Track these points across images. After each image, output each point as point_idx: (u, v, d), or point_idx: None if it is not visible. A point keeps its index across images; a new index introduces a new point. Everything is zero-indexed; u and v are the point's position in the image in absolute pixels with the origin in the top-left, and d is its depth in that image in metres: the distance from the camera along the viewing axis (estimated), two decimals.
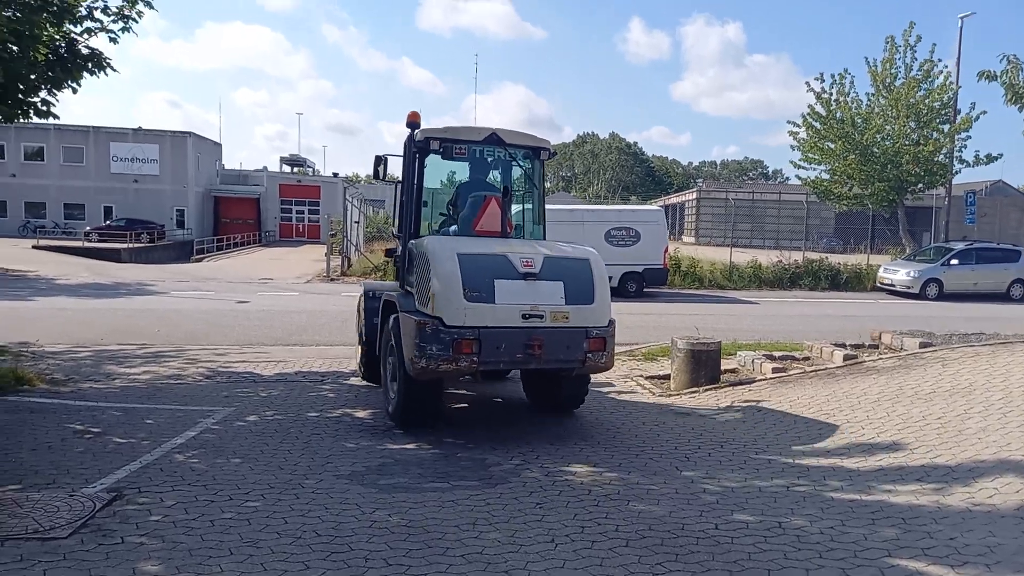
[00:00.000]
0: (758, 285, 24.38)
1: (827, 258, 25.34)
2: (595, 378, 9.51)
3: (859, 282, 24.67)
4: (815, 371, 8.77)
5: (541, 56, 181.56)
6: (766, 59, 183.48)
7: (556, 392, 7.39)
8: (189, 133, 50.90)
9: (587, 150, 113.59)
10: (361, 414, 7.46)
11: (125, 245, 37.15)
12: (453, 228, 7.57)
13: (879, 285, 23.89)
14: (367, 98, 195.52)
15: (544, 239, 7.73)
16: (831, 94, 26.37)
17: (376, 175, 7.79)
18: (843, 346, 9.75)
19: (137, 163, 49.38)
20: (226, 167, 60.98)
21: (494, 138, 7.39)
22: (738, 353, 10.11)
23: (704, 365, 8.72)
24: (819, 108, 26.64)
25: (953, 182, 26.66)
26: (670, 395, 8.60)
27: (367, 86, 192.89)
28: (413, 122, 7.30)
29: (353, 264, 23.99)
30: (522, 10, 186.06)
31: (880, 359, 8.87)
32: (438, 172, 8.32)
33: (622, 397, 8.58)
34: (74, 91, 9.51)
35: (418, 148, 7.28)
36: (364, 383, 8.88)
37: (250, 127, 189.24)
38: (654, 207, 23.85)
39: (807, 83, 26.47)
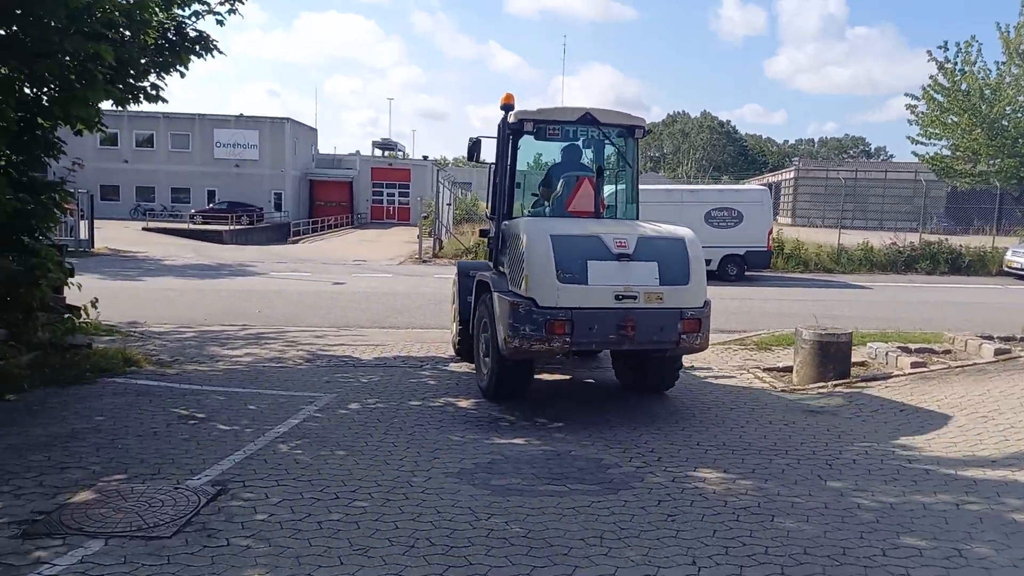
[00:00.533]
0: (869, 268, 22.88)
1: (947, 240, 23.51)
2: (707, 368, 8.96)
3: (983, 266, 22.81)
4: (961, 367, 7.86)
5: (630, 36, 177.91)
6: (869, 31, 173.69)
7: (647, 373, 7.33)
8: (287, 119, 52.24)
9: (677, 129, 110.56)
10: (464, 404, 7.11)
11: (227, 227, 38.49)
12: (545, 209, 7.63)
13: (1006, 269, 22.00)
14: (455, 83, 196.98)
15: (638, 219, 7.60)
16: (956, 63, 24.35)
17: (470, 157, 7.88)
18: (991, 339, 8.75)
19: (238, 148, 51.10)
20: (320, 152, 62.46)
21: (588, 118, 7.31)
22: (867, 344, 9.23)
23: (833, 358, 7.95)
24: (942, 79, 24.67)
25: None
26: (794, 390, 7.88)
27: (455, 71, 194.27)
28: (507, 104, 7.26)
29: (444, 246, 23.87)
30: None
31: None
32: (529, 153, 8.35)
33: (740, 391, 7.92)
34: (182, 75, 9.46)
35: (512, 130, 7.27)
36: (464, 369, 8.60)
37: (343, 113, 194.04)
38: (759, 187, 22.61)
39: (928, 52, 24.48)
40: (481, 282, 7.34)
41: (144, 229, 36.78)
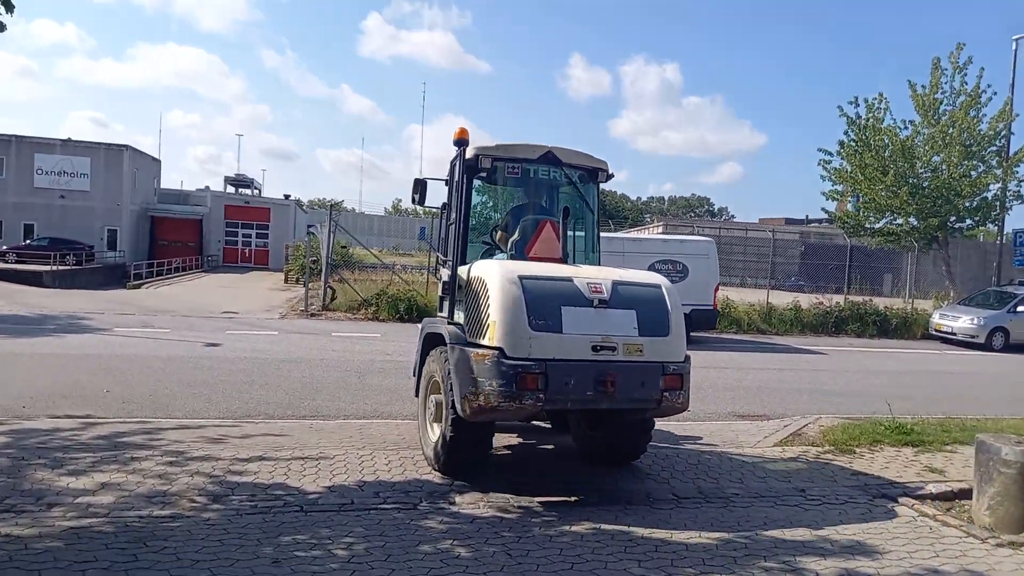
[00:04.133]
0: (800, 329, 21.51)
1: (871, 301, 22.69)
2: (819, 493, 6.13)
3: (907, 328, 22.09)
4: None
5: (484, 89, 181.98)
6: (701, 100, 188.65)
7: (619, 438, 6.54)
8: (126, 147, 45.95)
9: None
10: None
11: (48, 267, 32.14)
12: (500, 256, 6.79)
13: (933, 332, 21.35)
14: (305, 124, 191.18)
15: None
16: (867, 120, 24.01)
17: (414, 200, 7.12)
18: None
19: (65, 177, 44.18)
20: (164, 187, 55.86)
21: (550, 156, 6.77)
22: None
23: None
24: (852, 135, 24.28)
25: (1003, 220, 24.42)
26: (1013, 543, 5.21)
27: (305, 112, 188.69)
28: (461, 139, 6.54)
29: (338, 296, 20.06)
30: (465, 42, 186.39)
31: None
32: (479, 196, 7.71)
33: (927, 548, 5.16)
34: None
35: (467, 166, 6.61)
36: (487, 512, 5.33)
37: (182, 148, 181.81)
38: (704, 237, 20.73)
39: (839, 107, 23.99)
40: (431, 334, 6.51)
41: None
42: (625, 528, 5.22)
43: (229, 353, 12.93)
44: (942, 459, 7.67)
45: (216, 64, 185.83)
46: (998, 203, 23.18)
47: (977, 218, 23.22)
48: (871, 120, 23.91)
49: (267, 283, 34.93)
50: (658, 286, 5.95)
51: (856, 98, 24.06)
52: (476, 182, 6.96)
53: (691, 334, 17.81)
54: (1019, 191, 23.00)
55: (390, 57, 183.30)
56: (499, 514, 5.41)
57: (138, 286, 31.89)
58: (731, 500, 6.04)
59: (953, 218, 23.18)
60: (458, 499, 5.71)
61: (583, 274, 5.83)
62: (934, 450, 8.02)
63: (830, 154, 24.89)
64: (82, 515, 4.95)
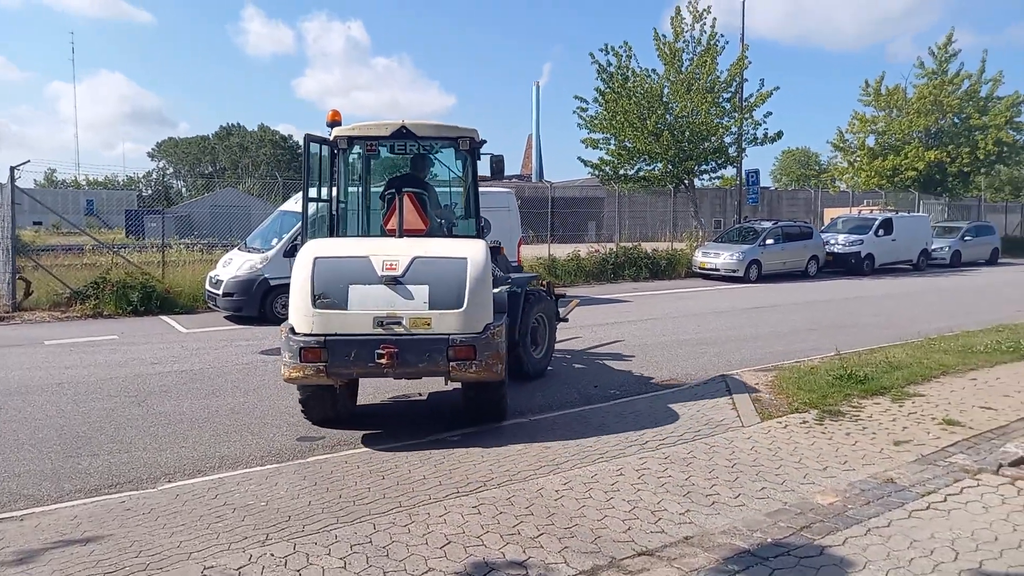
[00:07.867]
0: (584, 279, 21.10)
1: (640, 245, 23.04)
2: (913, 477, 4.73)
3: (673, 269, 22.85)
4: None
5: (146, 42, 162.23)
6: (389, 61, 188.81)
7: (475, 402, 6.69)
8: None
9: (234, 143, 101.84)
10: None
11: None
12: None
13: (697, 270, 22.30)
14: None
15: (479, 234, 7.11)
16: (617, 67, 24.10)
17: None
18: None
19: None
20: None
21: (404, 131, 6.82)
22: None
23: None
24: (600, 84, 24.32)
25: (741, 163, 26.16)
26: None
27: None
28: (334, 121, 6.91)
29: (35, 290, 14.84)
30: None
31: None
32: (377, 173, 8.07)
33: None
34: None
35: (328, 147, 6.90)
36: None
37: None
38: (503, 189, 18.83)
39: (591, 54, 23.78)
40: None
41: None
42: None
43: None
44: (928, 406, 6.90)
45: None
46: (734, 146, 24.84)
47: (720, 161, 24.64)
48: (620, 69, 24.01)
49: None
50: (463, 259, 5.98)
51: (607, 46, 24.04)
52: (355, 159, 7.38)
53: None
54: (754, 134, 24.83)
55: (20, 1, 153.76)
56: None
57: None
58: (853, 518, 4.39)
59: (702, 162, 24.33)
60: None
61: (383, 251, 6.01)
62: (904, 396, 7.28)
63: (586, 102, 24.69)
64: None
